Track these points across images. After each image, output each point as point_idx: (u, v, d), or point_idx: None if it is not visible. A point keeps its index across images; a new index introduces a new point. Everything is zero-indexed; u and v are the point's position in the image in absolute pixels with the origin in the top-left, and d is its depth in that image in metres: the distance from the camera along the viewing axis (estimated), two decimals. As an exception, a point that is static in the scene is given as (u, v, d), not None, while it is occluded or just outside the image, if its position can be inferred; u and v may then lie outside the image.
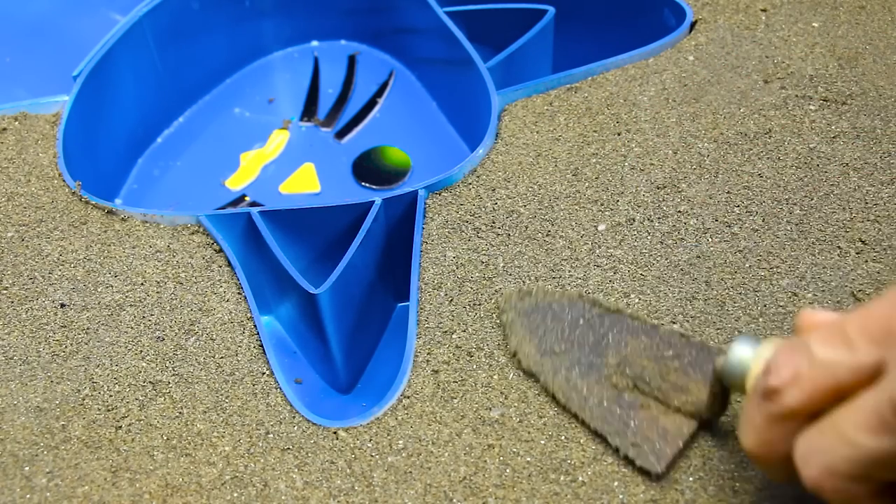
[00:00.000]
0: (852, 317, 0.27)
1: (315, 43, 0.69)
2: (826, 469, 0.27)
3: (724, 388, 0.36)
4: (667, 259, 0.45)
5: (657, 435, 0.37)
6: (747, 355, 0.34)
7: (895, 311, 0.26)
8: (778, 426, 0.29)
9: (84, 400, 0.42)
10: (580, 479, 0.38)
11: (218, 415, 0.41)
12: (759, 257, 0.44)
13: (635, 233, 0.46)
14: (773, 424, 0.29)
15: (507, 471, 0.38)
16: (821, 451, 0.28)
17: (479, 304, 0.44)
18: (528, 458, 0.38)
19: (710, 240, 0.45)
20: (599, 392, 0.39)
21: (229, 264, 0.47)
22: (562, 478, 0.38)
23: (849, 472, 0.27)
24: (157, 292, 0.46)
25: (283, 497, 0.38)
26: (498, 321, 0.43)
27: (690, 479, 0.37)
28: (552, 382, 0.40)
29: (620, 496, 0.37)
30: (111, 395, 0.42)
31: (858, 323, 0.27)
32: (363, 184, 0.59)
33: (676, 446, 0.37)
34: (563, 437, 0.39)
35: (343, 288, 0.44)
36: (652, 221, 0.46)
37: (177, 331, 0.44)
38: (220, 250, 0.47)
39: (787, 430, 0.29)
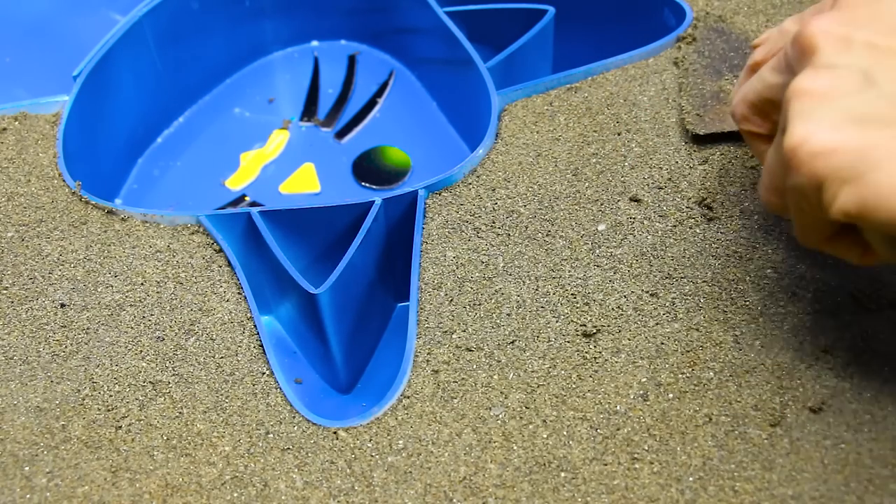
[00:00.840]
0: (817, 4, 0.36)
1: (315, 43, 0.69)
2: (741, 97, 0.38)
3: None
4: (667, 258, 0.45)
5: (718, 118, 0.48)
6: None
7: None
8: (748, 74, 0.40)
9: (84, 400, 0.42)
10: (580, 478, 0.38)
11: (218, 415, 0.41)
12: (759, 257, 0.44)
13: (635, 233, 0.46)
14: (746, 73, 0.40)
15: (507, 471, 0.38)
16: (745, 85, 0.38)
17: (479, 304, 0.44)
18: (529, 458, 0.38)
19: (710, 239, 0.45)
20: (708, 84, 0.51)
21: (229, 264, 0.47)
22: (562, 475, 0.38)
23: (752, 99, 0.37)
24: (157, 292, 0.46)
25: (283, 497, 0.38)
26: (498, 314, 0.43)
27: (690, 479, 0.37)
28: (684, 65, 0.52)
29: (621, 495, 0.37)
30: (111, 395, 0.42)
31: (814, 7, 0.36)
32: (363, 184, 0.59)
33: (723, 128, 0.48)
34: (563, 437, 0.39)
35: (343, 288, 0.44)
36: (652, 221, 0.46)
37: (177, 331, 0.44)
38: (220, 250, 0.47)
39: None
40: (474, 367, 0.42)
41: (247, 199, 0.59)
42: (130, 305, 0.45)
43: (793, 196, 0.33)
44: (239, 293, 0.45)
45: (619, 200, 0.47)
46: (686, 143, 0.49)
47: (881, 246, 0.33)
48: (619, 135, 0.50)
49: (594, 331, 0.42)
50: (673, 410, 0.39)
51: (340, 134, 0.63)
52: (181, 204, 0.59)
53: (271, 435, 0.40)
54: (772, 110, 0.37)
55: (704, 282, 0.43)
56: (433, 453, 0.39)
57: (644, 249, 0.45)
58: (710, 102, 0.49)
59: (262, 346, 0.43)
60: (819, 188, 0.31)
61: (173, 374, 0.42)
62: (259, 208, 0.48)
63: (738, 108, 0.38)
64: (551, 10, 0.58)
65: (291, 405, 0.41)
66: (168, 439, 0.40)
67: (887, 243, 0.33)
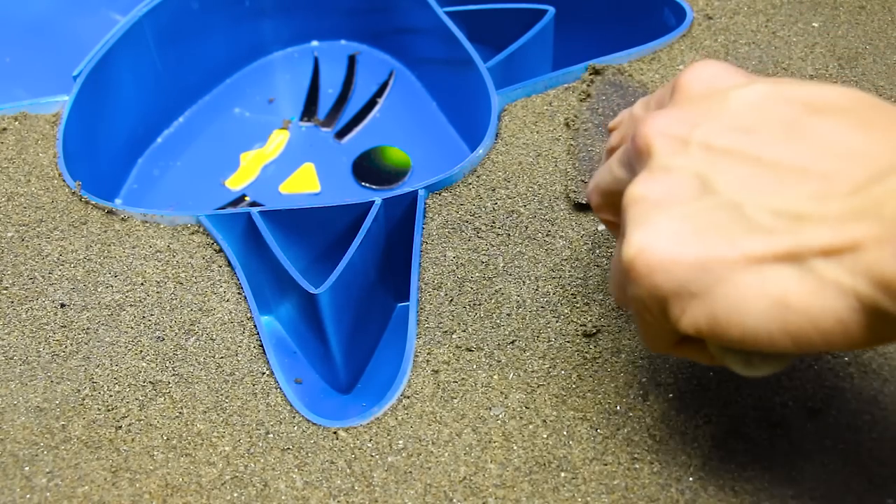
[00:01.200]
0: (662, 87, 0.35)
1: (315, 43, 0.69)
2: (594, 185, 0.36)
3: None
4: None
5: None
6: None
7: (671, 84, 0.33)
8: (605, 159, 0.38)
9: (84, 400, 0.42)
10: (580, 478, 0.38)
11: (218, 415, 0.41)
12: (759, 257, 0.44)
13: (635, 233, 0.46)
14: (605, 157, 0.38)
15: (507, 471, 0.38)
16: (598, 172, 0.36)
17: (479, 304, 0.44)
18: (528, 458, 0.38)
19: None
20: (598, 146, 0.48)
21: (229, 264, 0.47)
22: (562, 475, 0.38)
23: (602, 189, 0.35)
24: (157, 292, 0.46)
25: (283, 497, 0.38)
26: (498, 314, 0.43)
27: (690, 479, 0.37)
28: (576, 124, 0.49)
29: (621, 495, 0.37)
30: (111, 395, 0.42)
31: (659, 92, 0.35)
32: (363, 184, 0.59)
33: None
34: (563, 437, 0.39)
35: (343, 288, 0.44)
36: (652, 221, 0.46)
37: (177, 331, 0.44)
38: (220, 250, 0.47)
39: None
40: (474, 367, 0.42)
41: (247, 199, 0.59)
42: (130, 305, 0.45)
43: (634, 305, 0.31)
44: (239, 293, 0.45)
45: (619, 200, 0.47)
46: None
47: (723, 356, 0.31)
48: (619, 135, 0.50)
49: (594, 331, 0.42)
50: (673, 410, 0.39)
51: (340, 134, 0.63)
52: (181, 204, 0.59)
53: (271, 435, 0.40)
54: (616, 189, 0.35)
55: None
56: (433, 453, 0.39)
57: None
58: (599, 167, 0.45)
59: (262, 346, 0.43)
60: (660, 301, 0.29)
61: (173, 374, 0.42)
62: (259, 208, 0.48)
63: (591, 195, 0.36)
64: (551, 10, 0.58)
65: (291, 405, 0.41)
66: (168, 439, 0.40)
67: (730, 354, 0.31)
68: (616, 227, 0.37)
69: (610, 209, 0.36)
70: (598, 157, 0.47)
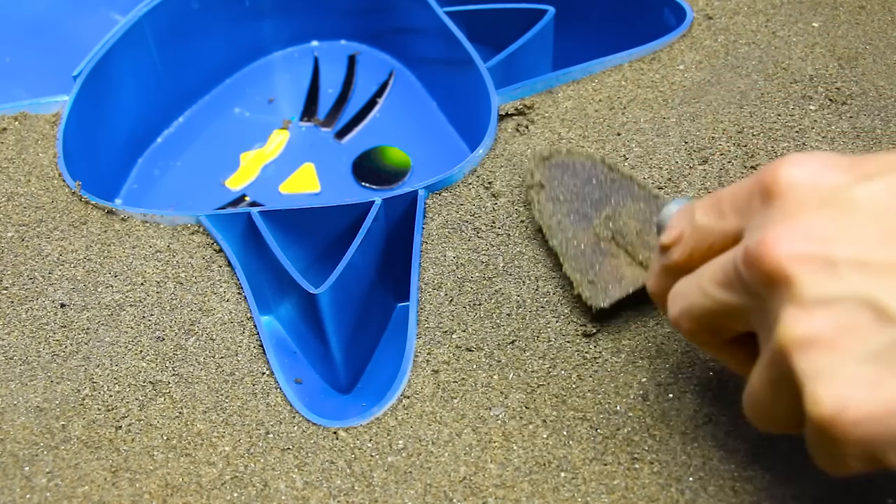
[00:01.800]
0: (728, 189, 0.32)
1: (315, 43, 0.69)
2: (683, 310, 0.32)
3: None
4: (667, 259, 0.45)
5: (614, 279, 0.42)
6: (673, 211, 0.36)
7: (754, 183, 0.30)
8: (667, 275, 0.34)
9: (84, 400, 0.42)
10: (580, 478, 0.38)
11: (218, 415, 0.41)
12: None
13: (635, 233, 0.46)
14: (664, 273, 0.34)
15: (507, 471, 0.38)
16: (683, 296, 0.32)
17: (479, 304, 0.44)
18: (528, 458, 0.38)
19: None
20: (581, 237, 0.43)
21: (229, 264, 0.47)
22: (562, 475, 0.38)
23: (699, 315, 0.32)
24: (157, 292, 0.46)
25: (283, 497, 0.38)
26: (498, 314, 0.43)
27: (690, 479, 0.37)
28: (546, 221, 0.45)
29: (621, 495, 0.37)
30: (111, 395, 0.42)
31: (730, 195, 0.31)
32: (363, 184, 0.59)
33: (626, 291, 0.41)
34: (563, 437, 0.39)
35: (343, 288, 0.44)
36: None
37: (177, 331, 0.44)
38: (220, 250, 0.47)
39: (673, 280, 0.34)
40: (474, 367, 0.42)
41: (247, 199, 0.59)
42: (130, 305, 0.45)
43: (830, 454, 0.28)
44: (239, 293, 0.45)
45: (619, 200, 0.47)
46: (686, 143, 0.49)
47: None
48: (619, 135, 0.50)
49: (594, 331, 0.42)
50: (673, 410, 0.39)
51: (340, 134, 0.63)
52: (181, 204, 0.59)
53: (271, 435, 0.40)
54: (727, 324, 0.32)
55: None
56: (433, 453, 0.39)
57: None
58: (596, 259, 0.42)
59: (262, 346, 0.43)
60: (873, 452, 0.26)
61: (173, 374, 0.42)
62: (259, 208, 0.48)
63: (682, 322, 0.32)
64: (551, 10, 0.58)
65: (291, 405, 0.41)
66: (168, 439, 0.40)
67: None
68: (718, 346, 0.33)
69: (710, 331, 0.32)
70: (590, 250, 0.43)
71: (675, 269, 0.33)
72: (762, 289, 0.28)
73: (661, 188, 0.47)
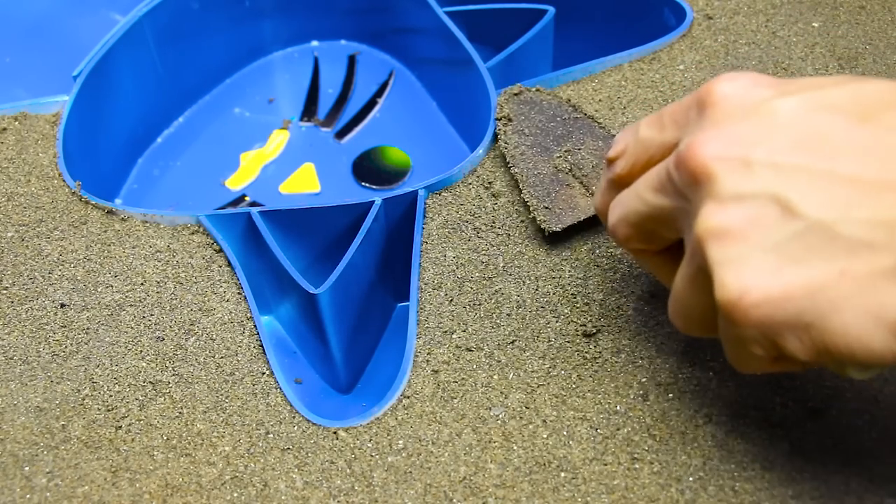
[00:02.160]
0: (670, 105, 0.34)
1: (315, 43, 0.69)
2: (620, 217, 0.35)
3: None
4: (667, 259, 0.45)
5: (568, 207, 0.45)
6: None
7: (692, 99, 0.32)
8: (611, 189, 0.36)
9: (84, 400, 0.42)
10: (580, 478, 0.38)
11: (218, 415, 0.41)
12: (759, 257, 0.44)
13: (635, 233, 0.46)
14: (608, 188, 0.37)
15: (507, 471, 0.38)
16: (621, 204, 0.35)
17: (479, 304, 0.44)
18: (528, 458, 0.38)
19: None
20: (542, 167, 0.46)
21: (229, 264, 0.47)
22: (562, 475, 0.38)
23: (634, 221, 0.34)
24: (157, 292, 0.46)
25: (283, 497, 0.38)
26: (498, 314, 0.43)
27: (691, 478, 0.37)
28: (511, 151, 0.47)
29: (621, 495, 0.37)
30: (111, 395, 0.42)
31: (671, 109, 0.33)
32: (363, 184, 0.59)
33: (577, 218, 0.44)
34: (563, 437, 0.39)
35: (343, 288, 0.44)
36: (652, 221, 0.46)
37: (177, 331, 0.44)
38: (220, 250, 0.47)
39: (616, 193, 0.36)
40: (474, 367, 0.42)
41: (247, 199, 0.59)
42: (130, 305, 0.45)
43: (733, 341, 0.31)
44: (239, 293, 0.45)
45: (619, 200, 0.47)
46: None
47: (840, 368, 0.30)
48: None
49: (594, 331, 0.42)
50: (673, 410, 0.39)
51: (340, 134, 0.63)
52: (181, 204, 0.59)
53: (271, 435, 0.40)
54: (658, 229, 0.34)
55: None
56: (433, 453, 0.39)
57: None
58: (553, 188, 0.46)
59: (262, 346, 0.43)
60: (771, 335, 0.29)
61: (173, 374, 0.42)
62: (259, 208, 0.48)
63: (619, 229, 0.35)
64: (551, 9, 0.58)
65: (291, 405, 0.41)
66: (168, 439, 0.40)
67: (848, 366, 0.30)
68: (649, 255, 0.36)
69: (643, 238, 0.35)
70: (546, 177, 0.46)
71: (618, 181, 0.36)
72: (688, 188, 0.30)
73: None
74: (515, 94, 0.50)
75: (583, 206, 0.45)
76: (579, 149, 0.47)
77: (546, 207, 0.45)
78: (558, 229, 0.44)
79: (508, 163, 0.47)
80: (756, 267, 0.28)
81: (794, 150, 0.29)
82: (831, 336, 0.28)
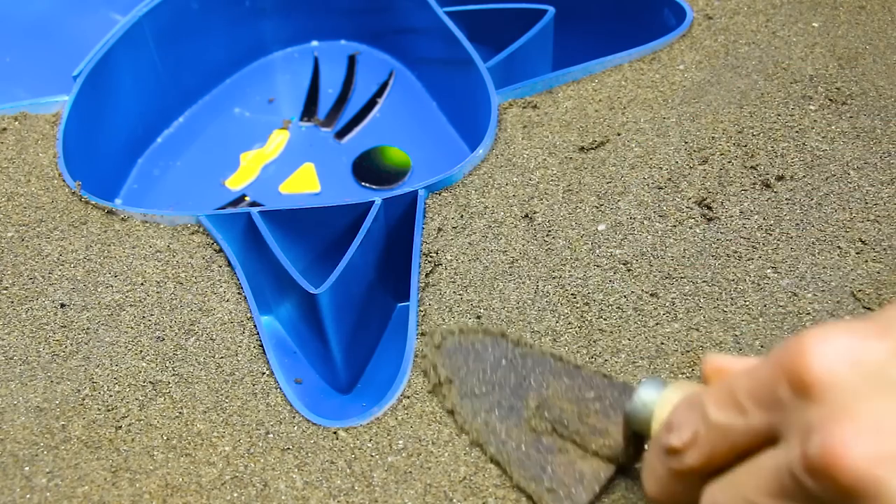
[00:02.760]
0: (740, 380, 0.28)
1: (315, 43, 0.69)
2: None
3: (636, 433, 0.35)
4: (667, 258, 0.45)
5: (574, 480, 0.36)
6: (651, 399, 0.33)
7: (777, 374, 0.27)
8: (680, 480, 0.30)
9: (84, 400, 0.42)
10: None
11: (218, 415, 0.41)
12: (759, 257, 0.44)
13: (635, 233, 0.46)
14: (676, 478, 0.30)
15: (507, 471, 0.38)
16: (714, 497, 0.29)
17: (480, 305, 0.44)
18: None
19: (710, 239, 0.45)
20: (518, 436, 0.38)
21: (229, 264, 0.47)
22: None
23: None
24: (157, 292, 0.46)
25: (283, 497, 0.38)
26: (499, 315, 0.43)
27: (690, 479, 0.37)
28: (471, 425, 0.39)
29: (621, 495, 0.37)
30: (111, 395, 0.42)
31: (747, 387, 0.28)
32: (363, 184, 0.59)
33: (592, 491, 0.36)
34: (563, 437, 0.39)
35: (343, 288, 0.44)
36: (652, 221, 0.46)
37: (177, 331, 0.44)
38: (220, 250, 0.47)
39: (689, 483, 0.30)
40: (474, 367, 0.42)
41: (247, 199, 0.59)
42: (130, 305, 0.45)
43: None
44: (239, 293, 0.45)
45: (619, 200, 0.47)
46: (686, 143, 0.49)
47: None
48: (619, 135, 0.50)
49: (594, 330, 0.42)
50: (673, 410, 0.39)
51: (340, 134, 0.63)
52: (181, 204, 0.59)
53: (271, 435, 0.40)
54: None
55: (704, 282, 0.43)
56: (433, 453, 0.39)
57: (644, 249, 0.45)
58: (545, 460, 0.37)
59: (262, 346, 0.43)
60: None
61: (173, 374, 0.42)
62: (259, 208, 0.48)
63: None
64: (551, 10, 0.58)
65: (291, 405, 0.41)
66: (168, 439, 0.40)
67: None
68: None
69: None
70: (533, 451, 0.38)
71: (690, 473, 0.30)
72: (837, 498, 0.25)
73: (661, 188, 0.47)
74: (438, 346, 0.41)
75: (591, 474, 0.37)
76: (546, 399, 0.38)
77: (549, 490, 0.37)
78: None
79: (475, 440, 0.39)
80: None
81: None
82: None
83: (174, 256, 0.47)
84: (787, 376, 0.26)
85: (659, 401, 0.33)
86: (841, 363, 0.25)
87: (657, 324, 0.42)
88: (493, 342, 0.40)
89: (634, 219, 0.46)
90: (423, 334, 0.43)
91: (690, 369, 0.40)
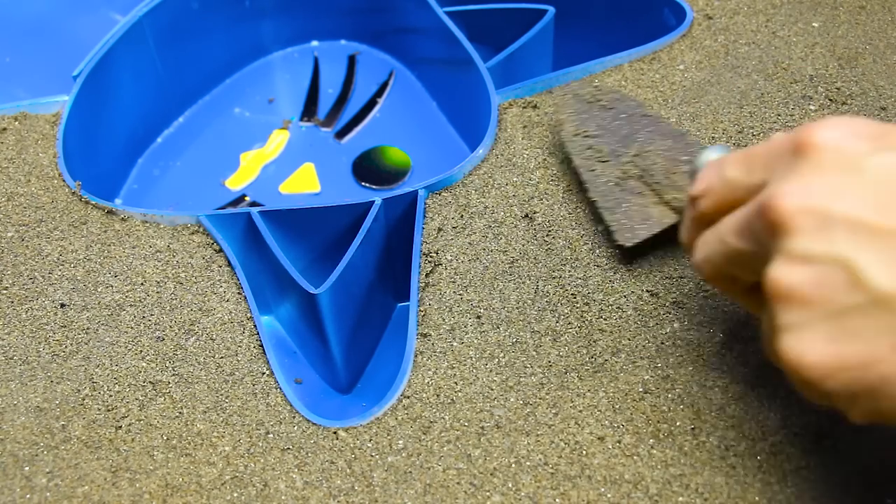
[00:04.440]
0: (762, 146, 0.33)
1: (315, 43, 0.69)
2: (705, 257, 0.34)
3: None
4: (667, 258, 0.45)
5: (641, 218, 0.42)
6: (710, 159, 0.36)
7: (790, 144, 0.31)
8: (696, 225, 0.36)
9: (84, 400, 0.42)
10: (581, 477, 0.38)
11: (218, 415, 0.41)
12: (759, 257, 0.44)
13: (635, 233, 0.46)
14: (693, 223, 0.36)
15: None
16: (705, 243, 0.34)
17: (480, 305, 0.44)
18: (528, 457, 0.38)
19: (710, 240, 0.45)
20: (610, 173, 0.44)
21: (229, 264, 0.47)
22: (562, 474, 0.38)
23: (717, 263, 0.33)
24: (157, 292, 0.46)
25: (283, 497, 0.38)
26: (498, 315, 0.43)
27: (691, 478, 0.37)
28: (577, 158, 0.45)
29: (623, 493, 0.37)
30: (111, 395, 0.42)
31: (763, 151, 0.32)
32: (363, 184, 0.59)
33: (652, 231, 0.42)
34: (563, 436, 0.39)
35: (343, 288, 0.44)
36: (652, 221, 0.46)
37: (177, 331, 0.44)
38: (220, 250, 0.47)
39: (701, 230, 0.35)
40: (474, 367, 0.42)
41: (247, 199, 0.59)
42: (130, 305, 0.45)
43: (800, 390, 0.31)
44: (239, 293, 0.45)
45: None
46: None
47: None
48: (619, 135, 0.50)
49: (594, 330, 0.42)
50: (673, 411, 0.39)
51: (340, 134, 0.63)
52: (181, 204, 0.59)
53: (271, 435, 0.40)
54: (739, 273, 0.33)
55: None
56: (433, 453, 0.39)
57: (644, 249, 0.45)
58: (624, 197, 0.43)
59: (262, 346, 0.43)
60: (824, 398, 0.29)
61: (173, 374, 0.42)
62: (259, 208, 0.48)
63: (703, 268, 0.34)
64: (551, 9, 0.58)
65: (291, 405, 0.41)
66: (168, 439, 0.40)
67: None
68: (736, 295, 0.35)
69: (726, 278, 0.34)
70: (617, 188, 0.43)
71: (703, 219, 0.35)
72: (765, 237, 0.30)
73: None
74: (575, 94, 0.46)
75: (656, 217, 0.42)
76: (648, 151, 0.44)
77: (618, 220, 0.42)
78: (631, 245, 0.42)
79: (576, 170, 0.45)
80: (814, 336, 0.28)
81: (876, 212, 0.28)
82: (885, 406, 0.28)
83: (174, 256, 0.47)
84: (793, 143, 0.30)
85: (715, 160, 0.35)
86: (831, 142, 0.30)
87: (657, 324, 0.42)
88: (620, 99, 0.47)
89: (634, 219, 0.46)
90: (423, 335, 0.43)
91: (691, 369, 0.40)
